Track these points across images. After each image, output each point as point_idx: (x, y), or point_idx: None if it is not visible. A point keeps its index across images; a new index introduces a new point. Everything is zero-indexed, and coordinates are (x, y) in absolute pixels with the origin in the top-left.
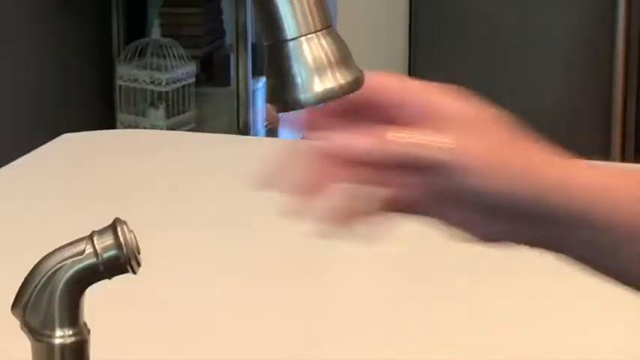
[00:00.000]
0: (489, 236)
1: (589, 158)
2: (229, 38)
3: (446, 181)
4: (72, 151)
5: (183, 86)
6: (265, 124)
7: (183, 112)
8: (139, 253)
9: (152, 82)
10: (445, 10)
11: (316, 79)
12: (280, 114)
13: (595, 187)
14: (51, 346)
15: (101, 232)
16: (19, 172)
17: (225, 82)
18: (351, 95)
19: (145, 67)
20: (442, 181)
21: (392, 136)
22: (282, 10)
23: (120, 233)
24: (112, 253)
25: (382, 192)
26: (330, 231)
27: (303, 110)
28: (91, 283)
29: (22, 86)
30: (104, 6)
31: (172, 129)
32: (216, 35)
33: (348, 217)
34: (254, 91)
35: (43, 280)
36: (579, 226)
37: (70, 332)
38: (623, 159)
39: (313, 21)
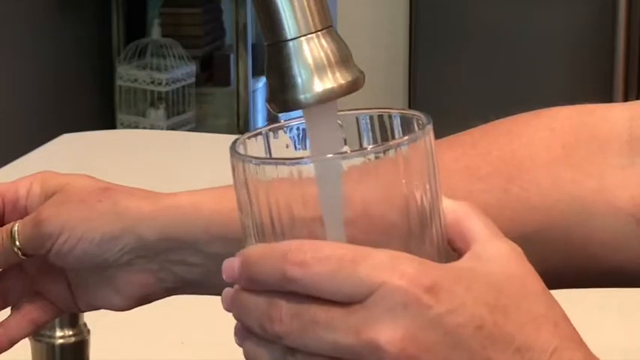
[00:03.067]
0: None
1: None
2: (229, 38)
3: None
4: (72, 151)
5: (183, 86)
6: (265, 123)
7: (184, 112)
8: None
9: (152, 82)
10: (445, 9)
11: (316, 79)
12: (280, 114)
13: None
14: (51, 346)
15: None
16: (19, 172)
17: (225, 82)
18: None
19: (145, 67)
20: None
21: None
22: (282, 10)
23: None
24: None
25: None
26: None
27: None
28: None
29: (22, 86)
30: (104, 6)
31: (172, 129)
32: (216, 35)
33: None
34: (254, 91)
35: None
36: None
37: (70, 332)
38: None
39: (313, 21)
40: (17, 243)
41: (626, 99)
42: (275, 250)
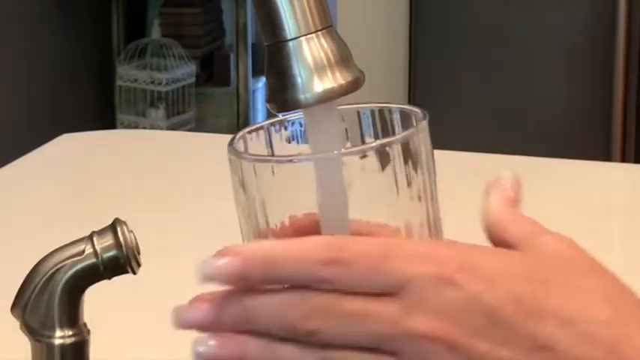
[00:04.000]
0: None
1: (589, 158)
2: (229, 38)
3: None
4: (72, 151)
5: (183, 86)
6: None
7: (183, 112)
8: (138, 253)
9: (152, 82)
10: (445, 10)
11: (316, 79)
12: (280, 114)
13: None
14: (51, 347)
15: (101, 233)
16: (19, 172)
17: (225, 82)
18: None
19: (145, 67)
20: None
21: None
22: (282, 10)
23: (120, 233)
24: (112, 253)
25: None
26: None
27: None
28: (91, 284)
29: (22, 86)
30: (104, 6)
31: (172, 129)
32: (216, 35)
33: None
34: (254, 91)
35: (43, 280)
36: None
37: (70, 332)
38: (624, 159)
39: (313, 21)
40: None
41: (625, 99)
42: (304, 247)
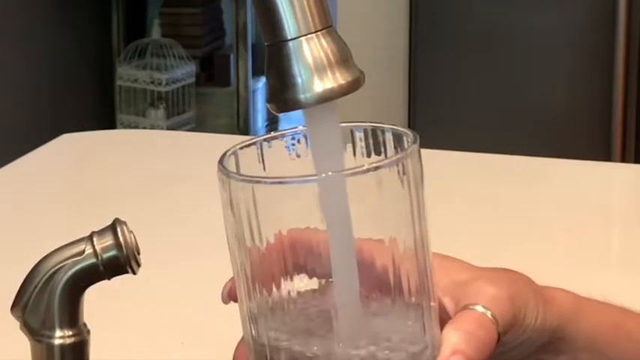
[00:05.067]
0: None
1: (589, 158)
2: (229, 38)
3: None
4: (72, 151)
5: (183, 86)
6: (265, 123)
7: (183, 112)
8: (138, 253)
9: (152, 82)
10: (445, 10)
11: (316, 79)
12: (280, 114)
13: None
14: (50, 347)
15: (101, 233)
16: (19, 172)
17: (225, 82)
18: None
19: (145, 67)
20: None
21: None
22: (282, 10)
23: (120, 233)
24: (112, 253)
25: None
26: None
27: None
28: (91, 284)
29: (22, 86)
30: (104, 6)
31: (172, 129)
32: (216, 35)
33: None
34: (254, 91)
35: (43, 280)
36: (584, 349)
37: (70, 332)
38: (623, 159)
39: (313, 21)
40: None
41: (625, 99)
42: None
